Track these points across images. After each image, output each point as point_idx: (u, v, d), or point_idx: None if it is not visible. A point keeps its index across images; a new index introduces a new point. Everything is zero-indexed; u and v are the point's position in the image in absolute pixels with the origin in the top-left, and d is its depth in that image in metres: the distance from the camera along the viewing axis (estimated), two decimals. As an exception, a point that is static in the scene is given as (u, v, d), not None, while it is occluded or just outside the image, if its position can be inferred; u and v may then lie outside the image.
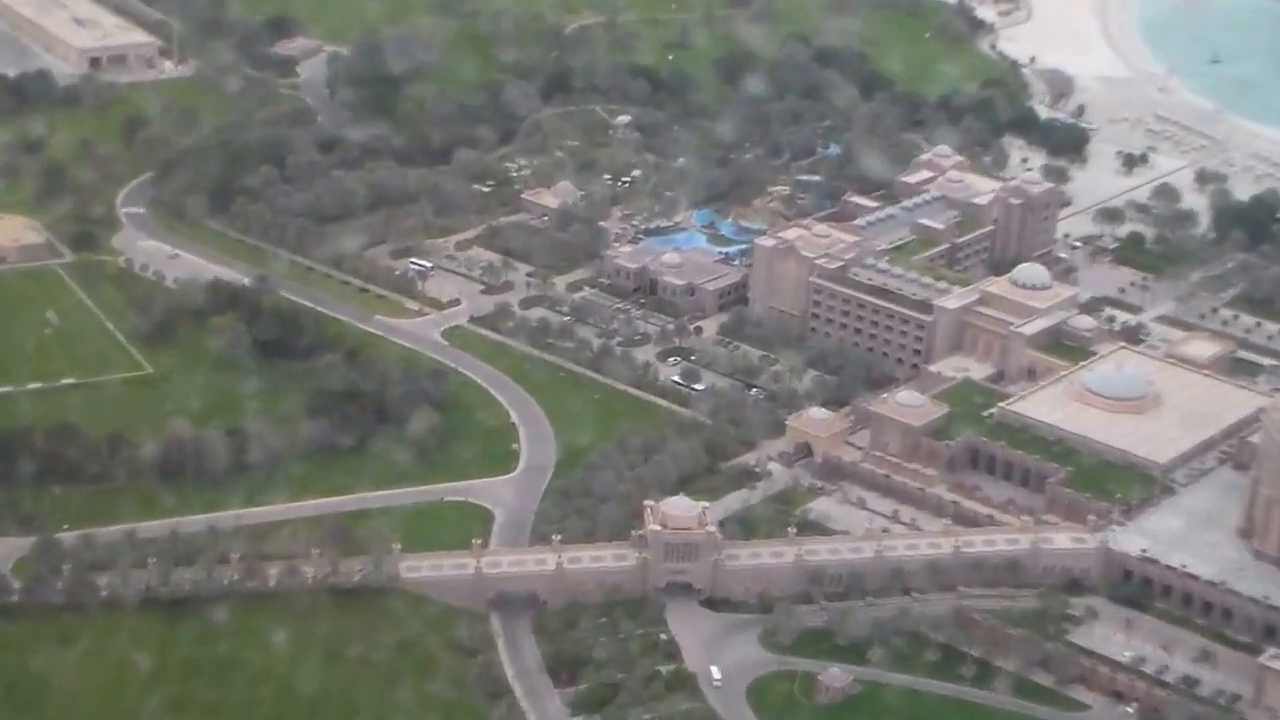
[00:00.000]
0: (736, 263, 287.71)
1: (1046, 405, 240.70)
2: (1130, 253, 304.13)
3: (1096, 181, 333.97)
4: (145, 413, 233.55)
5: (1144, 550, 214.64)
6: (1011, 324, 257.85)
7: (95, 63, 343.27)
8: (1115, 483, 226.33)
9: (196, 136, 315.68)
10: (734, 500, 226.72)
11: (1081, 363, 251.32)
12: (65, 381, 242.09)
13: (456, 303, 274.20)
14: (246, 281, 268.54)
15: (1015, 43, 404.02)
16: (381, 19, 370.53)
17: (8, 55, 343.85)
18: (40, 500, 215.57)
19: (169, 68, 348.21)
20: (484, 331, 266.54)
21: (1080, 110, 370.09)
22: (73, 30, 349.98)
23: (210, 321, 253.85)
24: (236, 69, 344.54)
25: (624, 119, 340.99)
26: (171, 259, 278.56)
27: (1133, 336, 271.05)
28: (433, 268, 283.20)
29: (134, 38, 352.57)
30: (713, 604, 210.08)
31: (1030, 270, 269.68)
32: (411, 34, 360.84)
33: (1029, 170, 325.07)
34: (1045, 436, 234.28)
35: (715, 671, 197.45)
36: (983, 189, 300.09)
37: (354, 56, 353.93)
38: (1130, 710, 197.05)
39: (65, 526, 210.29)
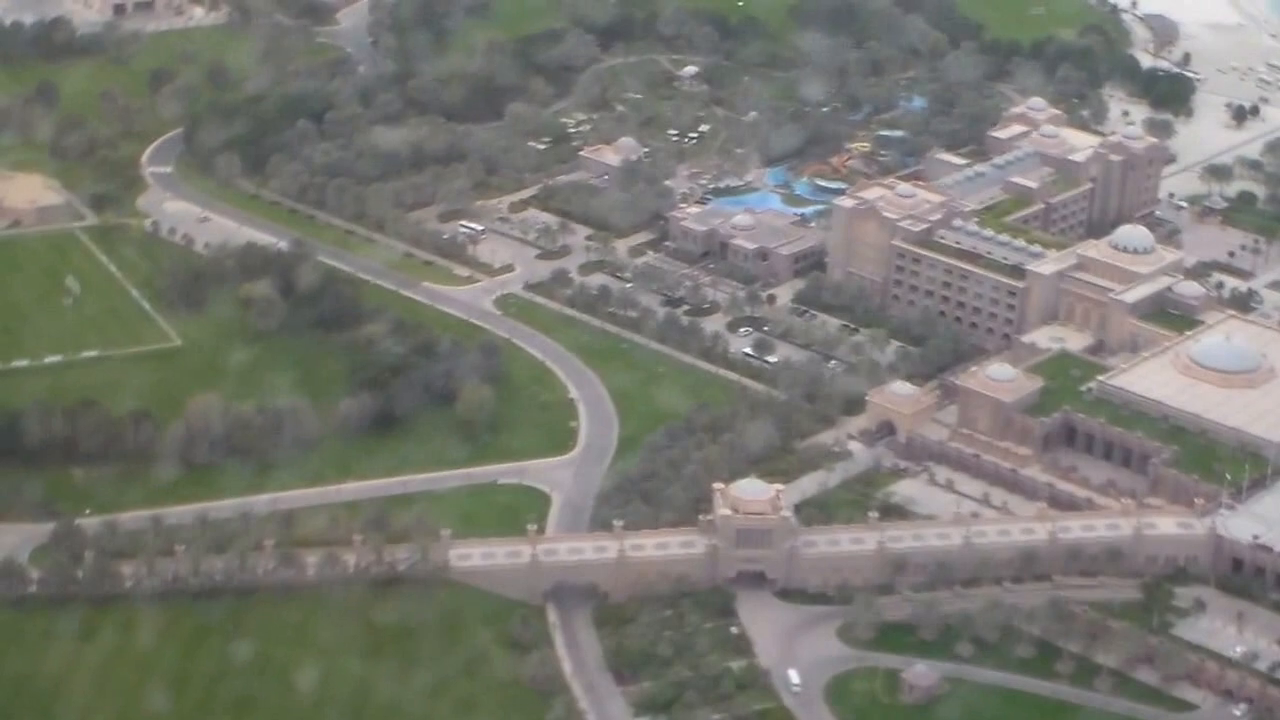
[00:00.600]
0: (813, 225, 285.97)
1: (1150, 379, 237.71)
2: (1240, 213, 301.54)
3: (1203, 136, 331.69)
4: (173, 388, 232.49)
5: (1256, 537, 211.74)
6: (1112, 291, 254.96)
7: (119, 9, 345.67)
8: (1225, 463, 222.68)
9: (228, 89, 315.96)
10: (811, 482, 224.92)
11: (1188, 333, 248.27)
12: (86, 355, 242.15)
13: (510, 268, 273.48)
14: (282, 246, 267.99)
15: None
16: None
17: (25, 0, 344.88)
18: (60, 483, 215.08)
19: (199, 15, 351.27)
20: (540, 299, 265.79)
21: (1186, 59, 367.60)
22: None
23: (243, 289, 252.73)
24: (271, 16, 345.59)
25: (691, 70, 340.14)
26: (201, 222, 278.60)
27: (1243, 304, 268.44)
28: (484, 231, 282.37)
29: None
30: (788, 595, 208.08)
31: (1132, 233, 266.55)
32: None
33: (1130, 124, 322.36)
34: (1149, 413, 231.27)
35: (794, 675, 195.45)
36: (1080, 144, 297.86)
37: (398, 1, 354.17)
38: (1240, 711, 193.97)
39: (86, 511, 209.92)
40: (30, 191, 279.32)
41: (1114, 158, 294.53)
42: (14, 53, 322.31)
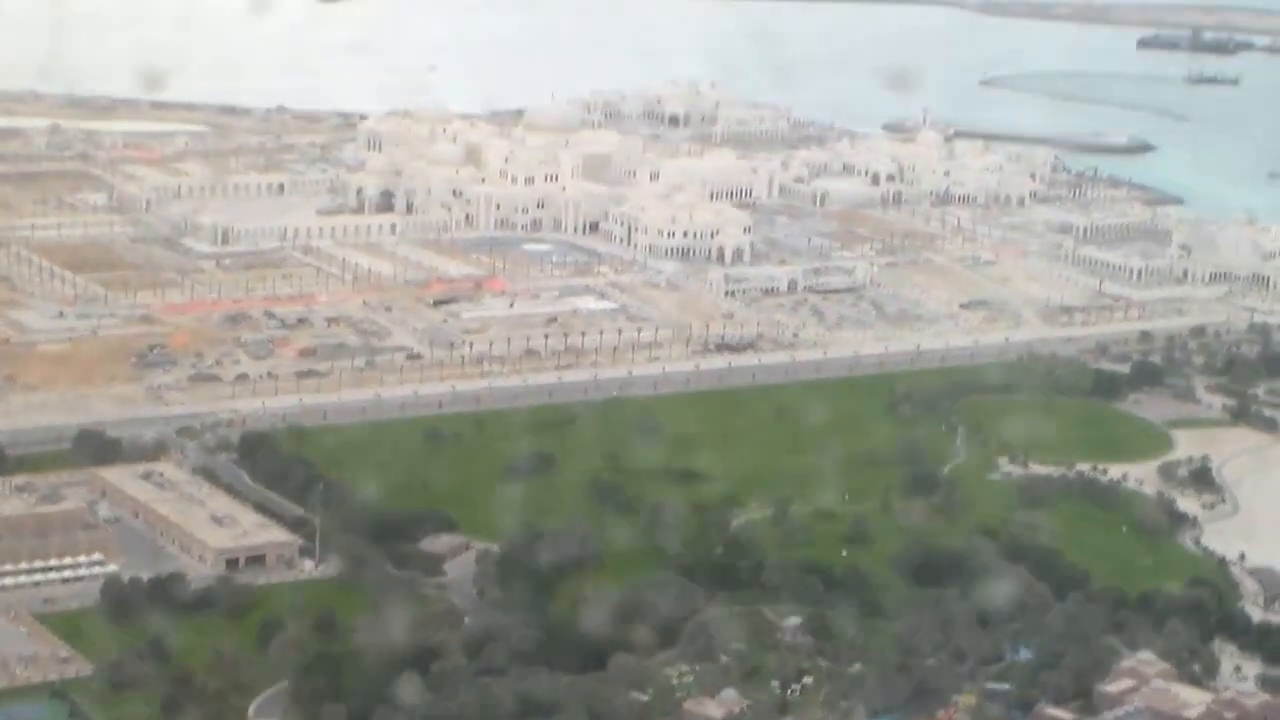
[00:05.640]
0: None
1: None
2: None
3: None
4: None
5: None
6: None
7: (232, 563, 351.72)
8: None
9: (335, 641, 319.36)
10: None
11: None
12: None
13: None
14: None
15: (1222, 538, 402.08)
16: (535, 512, 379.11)
17: (144, 556, 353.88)
18: None
19: (309, 567, 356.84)
20: None
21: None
22: (211, 529, 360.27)
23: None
24: (380, 568, 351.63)
25: (794, 620, 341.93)
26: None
27: None
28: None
29: (273, 536, 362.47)
30: None
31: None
32: (567, 529, 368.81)
33: (1243, 680, 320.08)
34: None
35: None
36: (1192, 700, 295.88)
37: (505, 553, 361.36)
38: None
39: None
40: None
41: (1228, 715, 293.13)
42: (130, 608, 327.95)
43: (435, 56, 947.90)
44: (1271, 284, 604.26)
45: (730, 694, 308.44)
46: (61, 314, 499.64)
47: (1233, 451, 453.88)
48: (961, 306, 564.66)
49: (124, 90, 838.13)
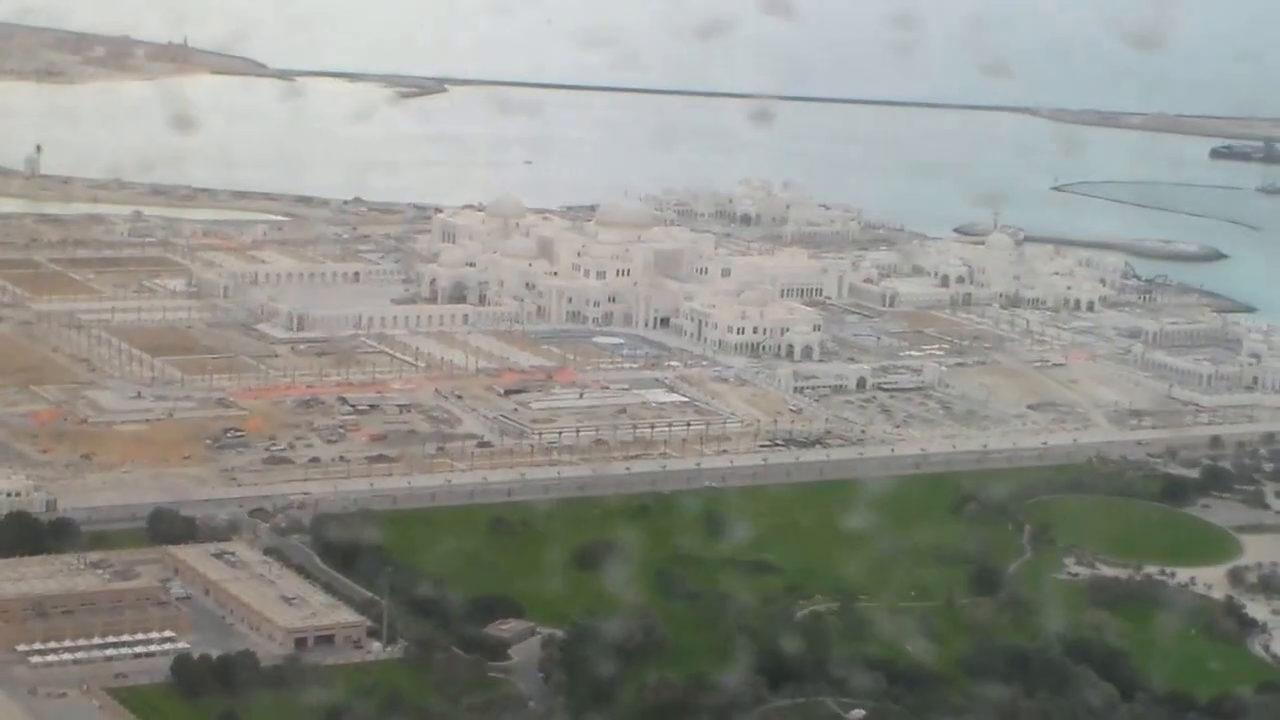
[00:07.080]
0: None
1: None
2: None
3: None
4: None
5: None
6: None
7: (301, 643, 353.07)
8: None
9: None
10: None
11: None
12: None
13: None
14: None
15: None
16: (601, 599, 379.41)
17: (214, 634, 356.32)
18: None
19: (376, 649, 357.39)
20: None
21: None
22: (281, 609, 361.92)
23: None
24: (446, 651, 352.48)
25: (858, 714, 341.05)
26: None
27: None
28: None
29: (342, 617, 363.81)
30: None
31: None
32: (632, 617, 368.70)
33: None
34: None
35: None
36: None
37: (570, 639, 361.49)
38: None
39: None
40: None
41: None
42: (200, 685, 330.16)
43: (521, 152, 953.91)
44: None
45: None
46: (139, 395, 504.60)
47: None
48: (1029, 408, 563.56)
49: (205, 180, 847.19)
